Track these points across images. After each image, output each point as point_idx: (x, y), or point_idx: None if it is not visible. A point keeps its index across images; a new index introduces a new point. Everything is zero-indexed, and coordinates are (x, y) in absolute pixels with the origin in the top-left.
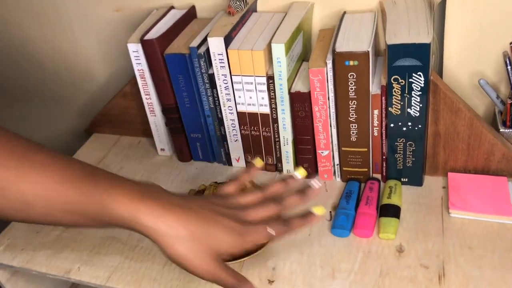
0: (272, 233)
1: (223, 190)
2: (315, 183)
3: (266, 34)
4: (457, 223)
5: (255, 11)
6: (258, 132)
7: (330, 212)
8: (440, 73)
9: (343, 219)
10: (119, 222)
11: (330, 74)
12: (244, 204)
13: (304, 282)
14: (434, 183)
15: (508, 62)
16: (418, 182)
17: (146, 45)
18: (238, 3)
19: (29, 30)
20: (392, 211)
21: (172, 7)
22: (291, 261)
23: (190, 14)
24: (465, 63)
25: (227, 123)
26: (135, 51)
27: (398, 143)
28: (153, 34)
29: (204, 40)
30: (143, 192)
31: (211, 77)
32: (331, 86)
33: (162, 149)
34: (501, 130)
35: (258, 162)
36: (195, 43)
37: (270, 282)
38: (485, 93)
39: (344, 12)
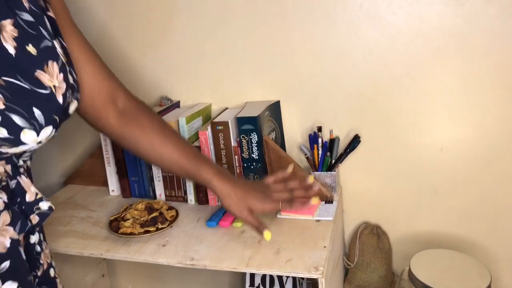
0: (279, 206)
1: (265, 179)
2: (315, 186)
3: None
4: (282, 218)
5: (179, 107)
6: (171, 174)
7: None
8: (283, 141)
9: (213, 217)
10: (203, 182)
11: (210, 134)
12: (271, 187)
13: (184, 244)
14: None
15: (310, 138)
16: None
17: None
18: (166, 101)
19: None
20: None
21: None
22: (179, 238)
23: None
24: (296, 137)
25: (154, 168)
26: None
27: (250, 177)
28: None
29: None
30: (220, 171)
31: None
32: (211, 141)
33: (113, 190)
34: (311, 172)
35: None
36: None
37: (163, 246)
38: (305, 153)
39: (226, 108)
